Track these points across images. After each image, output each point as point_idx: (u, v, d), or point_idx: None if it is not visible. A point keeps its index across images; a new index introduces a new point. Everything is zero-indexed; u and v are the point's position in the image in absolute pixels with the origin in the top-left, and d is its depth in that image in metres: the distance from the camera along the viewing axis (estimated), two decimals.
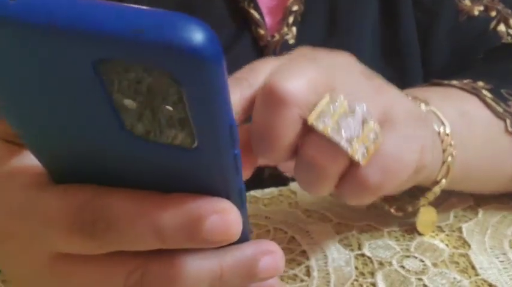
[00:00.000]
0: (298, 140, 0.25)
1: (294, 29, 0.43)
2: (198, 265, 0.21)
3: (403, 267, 0.32)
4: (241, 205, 0.20)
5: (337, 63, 0.27)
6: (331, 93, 0.25)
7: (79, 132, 0.18)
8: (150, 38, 0.13)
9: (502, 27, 0.46)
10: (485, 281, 0.31)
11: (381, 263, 0.33)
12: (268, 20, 0.43)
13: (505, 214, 0.37)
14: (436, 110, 0.33)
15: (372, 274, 0.32)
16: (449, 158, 0.32)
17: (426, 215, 0.35)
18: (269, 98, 0.24)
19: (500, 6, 0.47)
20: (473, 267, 0.32)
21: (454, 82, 0.38)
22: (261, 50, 0.43)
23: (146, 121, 0.16)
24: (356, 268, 0.32)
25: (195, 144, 0.17)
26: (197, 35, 0.13)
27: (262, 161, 0.26)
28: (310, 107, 0.24)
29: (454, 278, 0.31)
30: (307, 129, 0.25)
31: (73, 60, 0.15)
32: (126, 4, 0.14)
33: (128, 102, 0.16)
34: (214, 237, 0.19)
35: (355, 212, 0.38)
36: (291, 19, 0.43)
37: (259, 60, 0.27)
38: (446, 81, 0.38)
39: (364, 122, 0.25)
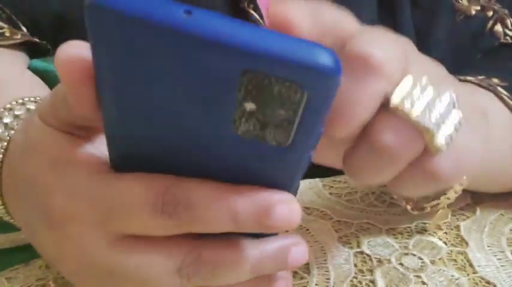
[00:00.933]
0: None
1: None
2: (246, 249, 0.23)
3: (401, 264, 0.33)
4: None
5: (410, 46, 0.25)
6: (414, 74, 0.23)
7: (182, 127, 0.20)
8: (299, 58, 0.17)
9: (498, 28, 0.47)
10: (483, 278, 0.31)
11: (379, 261, 0.33)
12: (268, 20, 0.44)
13: (502, 212, 0.38)
14: None
15: (371, 271, 0.32)
16: None
17: (442, 217, 0.35)
18: (361, 65, 0.22)
19: (497, 6, 0.47)
20: (471, 265, 0.33)
21: (470, 78, 0.37)
22: None
23: (258, 121, 0.19)
24: (355, 265, 0.33)
25: (288, 143, 0.20)
26: (330, 59, 0.18)
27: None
28: (394, 85, 0.22)
29: (452, 275, 0.32)
30: (383, 110, 0.22)
31: (221, 68, 0.18)
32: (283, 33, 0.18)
33: (250, 105, 0.19)
34: (280, 224, 0.22)
35: (355, 210, 0.38)
36: None
37: (340, 11, 0.23)
38: (461, 77, 0.37)
39: (450, 109, 0.23)
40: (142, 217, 0.22)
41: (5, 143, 0.28)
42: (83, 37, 0.47)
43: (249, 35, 0.17)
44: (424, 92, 0.23)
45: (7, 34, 0.40)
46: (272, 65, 0.17)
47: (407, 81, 0.23)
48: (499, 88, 0.36)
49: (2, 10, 0.43)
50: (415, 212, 0.35)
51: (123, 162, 0.22)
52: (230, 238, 0.23)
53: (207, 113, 0.19)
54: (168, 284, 0.23)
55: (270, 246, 0.24)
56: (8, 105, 0.30)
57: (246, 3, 0.42)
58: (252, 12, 0.42)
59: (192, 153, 0.21)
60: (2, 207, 0.29)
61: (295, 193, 0.23)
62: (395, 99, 0.22)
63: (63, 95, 0.22)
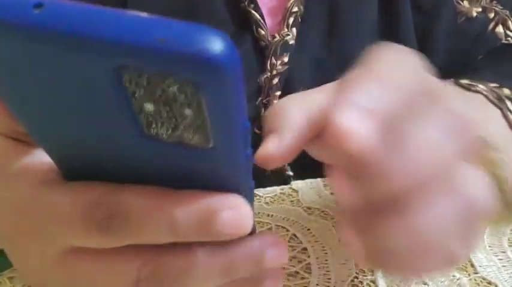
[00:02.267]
0: None
1: (294, 30, 0.43)
2: (209, 257, 0.21)
3: None
4: (250, 201, 0.21)
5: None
6: None
7: (93, 134, 0.18)
8: (172, 47, 0.14)
9: (500, 29, 0.47)
10: (484, 279, 0.31)
11: None
12: (268, 20, 0.44)
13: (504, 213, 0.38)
14: None
15: (372, 271, 0.32)
16: None
17: None
18: None
19: (498, 8, 0.47)
20: (472, 265, 0.32)
21: (481, 87, 0.37)
22: (261, 50, 0.43)
23: (164, 124, 0.17)
24: (356, 265, 0.33)
25: (211, 144, 0.17)
26: (216, 44, 0.14)
27: None
28: None
29: (453, 275, 0.32)
30: None
31: (94, 67, 0.15)
32: (148, 14, 0.15)
33: (148, 106, 0.16)
34: (228, 230, 0.20)
35: None
36: (291, 20, 0.43)
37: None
38: (474, 84, 0.37)
39: None
40: (76, 231, 0.20)
41: None
42: None
43: (113, 23, 0.14)
44: None
45: None
46: (148, 59, 0.14)
47: None
48: (508, 103, 0.36)
49: None
50: None
51: (65, 170, 0.21)
52: (191, 244, 0.21)
53: (108, 119, 0.17)
54: None
55: (241, 249, 0.22)
56: None
57: (246, 3, 0.42)
58: (253, 12, 0.43)
59: (124, 160, 0.19)
60: None
61: (250, 195, 0.21)
62: None
63: None
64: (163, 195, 0.20)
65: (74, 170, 0.21)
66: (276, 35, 0.43)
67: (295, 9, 0.43)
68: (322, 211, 0.38)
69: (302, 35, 0.43)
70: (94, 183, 0.20)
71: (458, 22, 0.46)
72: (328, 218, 0.37)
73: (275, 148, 0.24)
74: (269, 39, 0.43)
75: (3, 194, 0.23)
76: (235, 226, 0.20)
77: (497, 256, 0.33)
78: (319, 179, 0.42)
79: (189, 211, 0.19)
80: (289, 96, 0.27)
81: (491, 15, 0.47)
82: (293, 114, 0.25)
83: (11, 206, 0.23)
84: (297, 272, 0.32)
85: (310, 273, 0.32)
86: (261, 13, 0.43)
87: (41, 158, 0.22)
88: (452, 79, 0.39)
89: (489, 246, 0.34)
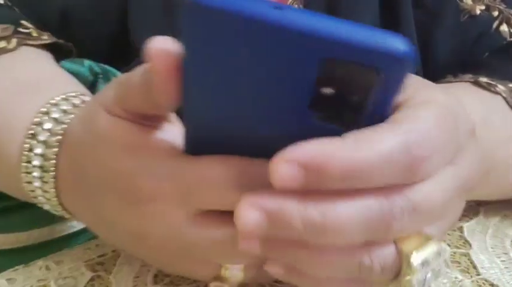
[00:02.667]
0: None
1: None
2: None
3: None
4: None
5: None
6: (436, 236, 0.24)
7: (258, 116, 0.22)
8: (377, 44, 0.19)
9: (504, 28, 0.46)
10: (486, 280, 0.31)
11: None
12: None
13: (506, 213, 0.37)
14: None
15: None
16: None
17: None
18: None
19: (502, 6, 0.47)
20: (474, 266, 0.32)
21: (500, 88, 0.37)
22: None
23: (334, 106, 0.21)
24: None
25: (361, 125, 0.21)
26: (404, 45, 0.19)
27: None
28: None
29: (456, 277, 0.31)
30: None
31: (300, 56, 0.19)
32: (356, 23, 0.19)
33: (327, 90, 0.20)
34: None
35: None
36: None
37: None
38: (493, 83, 0.37)
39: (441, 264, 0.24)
40: (222, 194, 0.23)
41: (59, 137, 0.29)
42: (86, 34, 0.46)
43: (331, 25, 0.19)
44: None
45: (34, 34, 0.41)
46: (351, 51, 0.19)
47: (431, 248, 0.23)
48: None
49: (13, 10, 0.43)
50: None
51: (197, 147, 0.24)
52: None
53: (286, 101, 0.21)
54: (237, 253, 0.24)
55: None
56: (53, 101, 0.31)
57: None
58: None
59: (267, 139, 0.22)
60: (55, 199, 0.30)
61: None
62: (415, 262, 0.22)
63: (139, 85, 0.24)
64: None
65: (203, 149, 0.24)
66: None
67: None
68: None
69: None
70: (236, 157, 0.23)
71: (461, 20, 0.46)
72: None
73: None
74: None
75: (139, 165, 0.25)
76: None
77: (499, 257, 0.33)
78: None
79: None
80: None
81: (495, 13, 0.46)
82: None
83: (150, 174, 0.24)
84: None
85: None
86: None
87: (162, 136, 0.25)
88: (471, 76, 0.39)
89: (491, 248, 0.34)
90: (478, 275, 0.32)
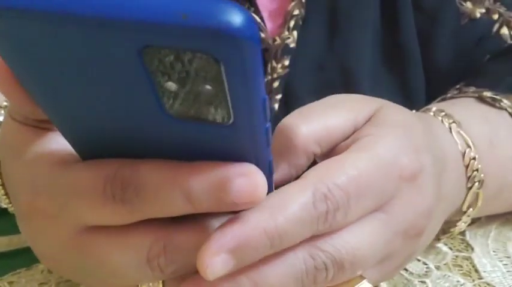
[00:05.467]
0: None
1: (295, 33, 0.43)
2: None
3: (406, 270, 0.32)
4: (269, 176, 0.21)
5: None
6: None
7: (114, 113, 0.19)
8: (195, 22, 0.15)
9: (505, 31, 0.46)
10: (488, 284, 0.31)
11: None
12: (269, 24, 0.44)
13: (508, 217, 0.37)
14: (466, 137, 0.31)
15: None
16: (477, 185, 0.31)
17: None
18: None
19: (502, 9, 0.47)
20: (476, 270, 0.32)
21: (506, 103, 0.36)
22: (261, 54, 0.43)
23: (186, 101, 0.17)
24: None
25: (231, 120, 0.18)
26: (236, 18, 0.15)
27: None
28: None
29: (458, 281, 0.31)
30: None
31: (118, 47, 0.16)
32: None
33: (169, 84, 0.17)
34: (242, 199, 0.20)
35: None
36: (292, 23, 0.43)
37: None
38: (498, 98, 0.36)
39: None
40: (93, 205, 0.21)
41: None
42: None
43: (129, 3, 0.15)
44: None
45: None
46: (165, 36, 0.15)
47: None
48: None
49: None
50: None
51: (82, 151, 0.22)
52: (199, 219, 0.22)
53: (130, 98, 0.18)
54: (140, 276, 0.22)
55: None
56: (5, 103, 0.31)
57: (246, 6, 0.42)
58: (253, 15, 0.42)
59: (142, 138, 0.20)
60: (10, 205, 0.30)
61: (269, 170, 0.21)
62: None
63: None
64: (178, 166, 0.20)
65: (90, 151, 0.21)
66: (277, 38, 0.43)
67: (296, 12, 0.43)
68: None
69: (303, 38, 0.43)
70: (109, 159, 0.21)
71: (461, 24, 0.46)
72: None
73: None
74: (270, 42, 0.43)
75: (22, 176, 0.24)
76: (248, 194, 0.20)
77: (501, 261, 0.33)
78: None
79: (203, 180, 0.20)
80: (298, 113, 0.26)
81: (495, 16, 0.46)
82: (302, 139, 0.25)
83: (30, 187, 0.23)
84: None
85: None
86: (261, 16, 0.43)
87: (57, 142, 0.23)
88: (474, 89, 0.38)
89: (493, 251, 0.34)
90: (480, 278, 0.31)
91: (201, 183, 0.20)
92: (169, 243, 0.22)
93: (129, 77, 0.17)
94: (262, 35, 0.43)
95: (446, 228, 0.33)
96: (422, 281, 0.31)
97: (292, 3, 0.43)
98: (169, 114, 0.18)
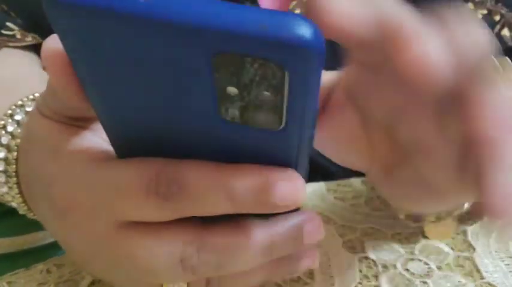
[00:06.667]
0: None
1: None
2: (255, 234, 0.22)
3: (407, 270, 0.32)
4: (305, 179, 0.22)
5: None
6: None
7: (167, 114, 0.20)
8: (273, 33, 0.16)
9: (506, 32, 0.46)
10: (490, 284, 0.31)
11: (385, 266, 0.32)
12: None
13: None
14: None
15: (376, 277, 0.32)
16: None
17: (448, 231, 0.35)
18: None
19: (504, 11, 0.47)
20: (478, 270, 0.32)
21: None
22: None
23: (243, 107, 0.18)
24: (360, 271, 0.32)
25: (282, 126, 0.19)
26: (308, 32, 0.16)
27: None
28: None
29: (459, 281, 0.31)
30: None
31: (189, 52, 0.17)
32: (245, 5, 0.17)
33: (230, 89, 0.18)
34: (284, 202, 0.20)
35: (359, 215, 0.38)
36: None
37: None
38: None
39: None
40: (137, 201, 0.21)
41: (19, 141, 0.28)
42: None
43: (211, 13, 0.16)
44: None
45: (18, 36, 0.41)
46: (242, 44, 0.16)
47: None
48: None
49: (8, 14, 0.43)
50: (414, 225, 0.35)
51: (123, 149, 0.22)
52: (236, 221, 0.22)
53: (189, 101, 0.19)
54: (172, 275, 0.23)
55: (282, 224, 0.23)
56: (20, 102, 0.30)
57: (248, 4, 0.42)
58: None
59: (187, 140, 0.21)
60: (23, 204, 0.30)
61: (302, 174, 0.22)
62: None
63: (53, 87, 0.22)
64: (223, 167, 0.21)
65: (131, 150, 0.22)
66: None
67: (297, 11, 0.43)
68: (325, 216, 0.38)
69: None
70: (154, 158, 0.21)
71: None
72: (331, 223, 0.37)
73: None
74: None
75: (59, 172, 0.24)
76: (290, 198, 0.21)
77: (503, 261, 0.33)
78: (322, 183, 0.41)
79: (247, 181, 0.20)
80: None
81: (497, 17, 0.46)
82: None
83: (68, 183, 0.23)
84: (299, 278, 0.32)
85: (312, 279, 0.32)
86: None
87: (91, 140, 0.24)
88: None
89: (495, 251, 0.34)
90: (482, 279, 0.31)
91: (245, 184, 0.20)
92: (203, 244, 0.22)
93: (192, 80, 0.18)
94: None
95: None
96: (423, 282, 0.31)
97: (293, 3, 0.43)
98: (223, 118, 0.19)
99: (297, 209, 0.24)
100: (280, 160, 0.21)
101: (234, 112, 0.18)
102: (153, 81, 0.18)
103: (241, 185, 0.20)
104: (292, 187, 0.21)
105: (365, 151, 0.26)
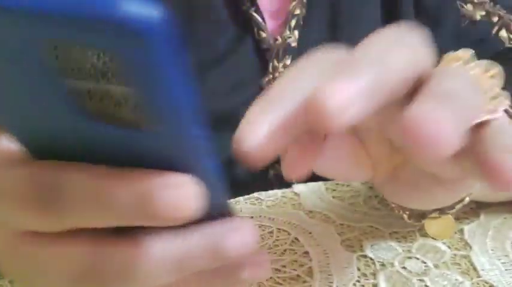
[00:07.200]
0: None
1: (296, 32, 0.43)
2: (157, 248, 0.19)
3: (405, 268, 0.32)
4: (212, 185, 0.19)
5: None
6: None
7: (34, 113, 0.18)
8: (93, 14, 0.13)
9: (503, 33, 0.47)
10: (486, 282, 0.31)
11: (382, 265, 0.33)
12: (270, 23, 0.44)
13: (506, 216, 0.37)
14: None
15: (374, 275, 0.32)
16: None
17: (448, 229, 0.35)
18: None
19: (502, 12, 0.47)
20: (474, 268, 0.32)
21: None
22: (263, 53, 0.43)
23: (96, 101, 0.16)
24: (358, 269, 0.32)
25: (150, 124, 0.16)
26: (134, 8, 0.12)
27: None
28: None
29: (456, 279, 0.31)
30: None
31: (23, 41, 0.14)
32: None
33: (81, 85, 0.15)
34: (166, 213, 0.17)
35: (358, 214, 0.38)
36: (293, 23, 0.43)
37: None
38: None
39: None
40: (19, 208, 0.19)
41: None
42: None
43: None
44: None
45: None
46: (64, 29, 0.13)
47: None
48: None
49: None
50: (416, 224, 0.35)
51: (29, 150, 0.20)
52: (134, 232, 0.19)
53: (44, 97, 0.16)
54: None
55: (193, 236, 0.20)
56: None
57: (247, 5, 0.43)
58: (254, 14, 0.43)
59: (64, 140, 0.18)
60: None
61: (209, 178, 0.19)
62: None
63: None
64: (105, 173, 0.18)
65: (35, 151, 0.20)
66: (278, 38, 0.43)
67: (297, 11, 0.43)
68: (324, 215, 0.38)
69: (304, 38, 0.43)
70: (42, 162, 0.19)
71: (462, 26, 0.46)
72: (330, 222, 0.37)
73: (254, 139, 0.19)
74: (271, 42, 0.43)
75: None
76: (173, 207, 0.17)
77: (499, 259, 0.33)
78: (320, 183, 0.42)
79: (127, 190, 0.17)
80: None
81: (495, 19, 0.47)
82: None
83: None
84: (299, 276, 0.32)
85: (311, 277, 0.32)
86: (262, 16, 0.43)
87: (4, 142, 0.21)
88: None
89: (491, 249, 0.34)
90: (479, 277, 0.32)
91: (125, 193, 0.17)
92: (102, 255, 0.19)
93: (40, 74, 0.15)
94: (264, 34, 0.43)
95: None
96: (420, 280, 0.31)
97: (293, 3, 0.43)
98: (83, 115, 0.16)
99: (226, 216, 0.21)
100: (174, 164, 0.18)
101: (91, 109, 0.16)
102: (9, 78, 0.16)
103: (121, 194, 0.17)
104: (176, 194, 0.17)
105: (366, 162, 0.26)
